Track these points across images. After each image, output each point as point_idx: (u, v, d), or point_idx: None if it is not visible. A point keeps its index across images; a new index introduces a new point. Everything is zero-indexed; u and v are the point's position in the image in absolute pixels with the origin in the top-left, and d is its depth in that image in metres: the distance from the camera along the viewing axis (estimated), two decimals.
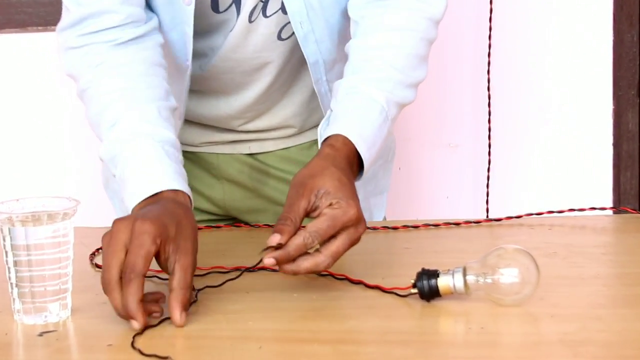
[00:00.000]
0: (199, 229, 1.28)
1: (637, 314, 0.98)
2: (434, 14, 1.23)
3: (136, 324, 0.94)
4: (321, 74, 1.29)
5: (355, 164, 1.10)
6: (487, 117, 2.01)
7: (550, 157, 2.07)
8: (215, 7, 1.23)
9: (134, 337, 0.92)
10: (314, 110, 1.36)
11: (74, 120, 2.05)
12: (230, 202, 1.38)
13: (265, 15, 1.25)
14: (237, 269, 1.10)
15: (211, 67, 1.29)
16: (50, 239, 0.98)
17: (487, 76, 2.00)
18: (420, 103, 2.06)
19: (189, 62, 1.25)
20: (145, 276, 0.94)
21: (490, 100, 2.01)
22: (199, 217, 1.36)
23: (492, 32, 1.97)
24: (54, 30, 1.33)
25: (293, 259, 0.99)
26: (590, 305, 1.00)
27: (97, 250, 1.20)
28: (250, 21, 1.25)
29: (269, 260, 0.97)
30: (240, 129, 1.36)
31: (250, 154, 1.37)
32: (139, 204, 1.05)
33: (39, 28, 2.01)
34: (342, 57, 1.30)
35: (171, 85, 1.22)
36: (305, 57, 1.27)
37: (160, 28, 1.25)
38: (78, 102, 1.72)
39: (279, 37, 1.28)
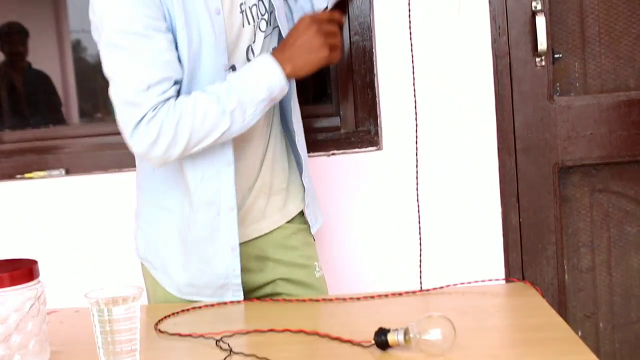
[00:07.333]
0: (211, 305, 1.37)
1: (522, 353, 1.05)
2: None
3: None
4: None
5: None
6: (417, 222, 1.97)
7: (457, 245, 1.98)
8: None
9: None
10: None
11: None
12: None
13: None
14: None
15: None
16: (124, 315, 1.07)
17: (415, 181, 1.96)
18: None
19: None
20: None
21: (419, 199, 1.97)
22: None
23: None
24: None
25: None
26: (489, 347, 1.07)
27: (159, 321, 1.25)
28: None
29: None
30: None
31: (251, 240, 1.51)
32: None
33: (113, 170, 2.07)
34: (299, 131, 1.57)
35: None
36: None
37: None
38: None
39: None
